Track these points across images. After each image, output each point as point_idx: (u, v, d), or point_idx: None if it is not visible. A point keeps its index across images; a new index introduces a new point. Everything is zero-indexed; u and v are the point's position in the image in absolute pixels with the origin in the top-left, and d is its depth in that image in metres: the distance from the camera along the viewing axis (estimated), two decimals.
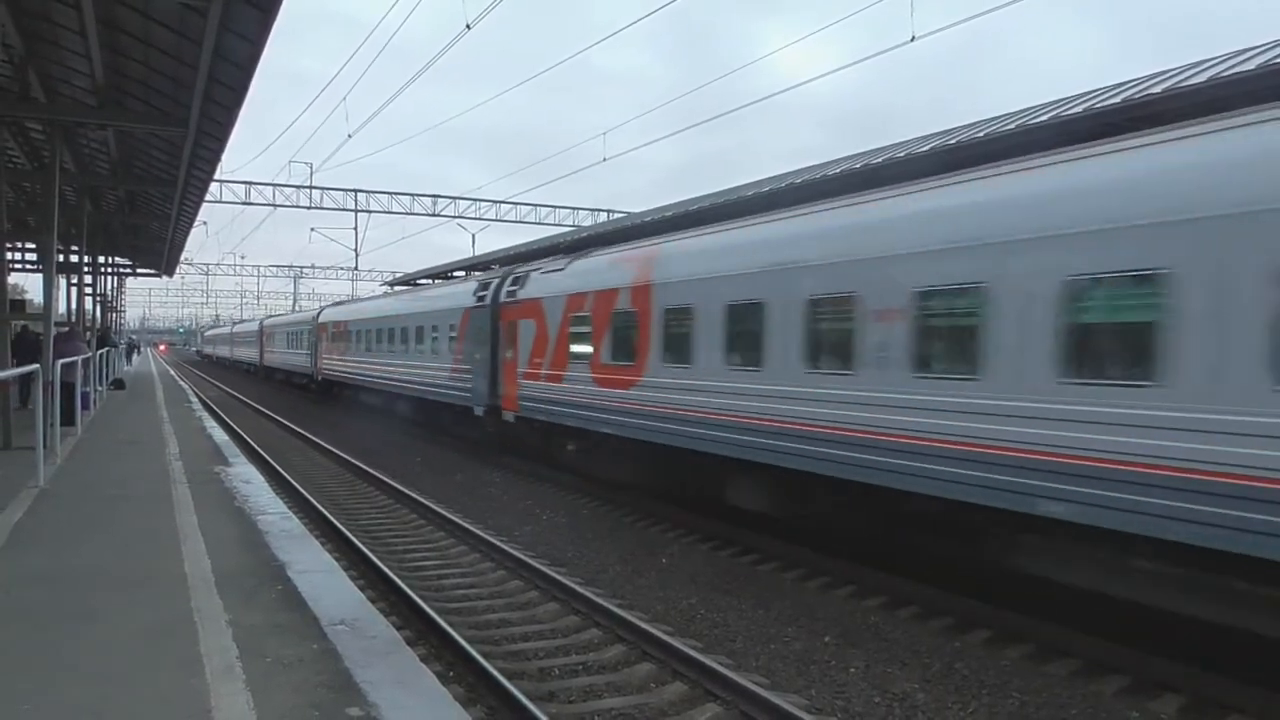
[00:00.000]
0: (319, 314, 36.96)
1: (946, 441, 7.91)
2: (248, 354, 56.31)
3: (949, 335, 8.21)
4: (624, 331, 13.17)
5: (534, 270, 17.53)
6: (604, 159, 28.14)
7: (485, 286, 19.18)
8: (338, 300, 42.67)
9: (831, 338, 9.33)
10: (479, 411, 18.86)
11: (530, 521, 13.13)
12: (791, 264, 9.88)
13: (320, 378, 35.24)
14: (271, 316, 55.77)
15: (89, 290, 27.83)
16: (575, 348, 14.70)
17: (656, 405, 12.28)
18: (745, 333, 10.67)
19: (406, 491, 14.65)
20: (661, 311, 12.28)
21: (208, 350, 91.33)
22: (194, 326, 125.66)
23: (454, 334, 20.35)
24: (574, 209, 41.27)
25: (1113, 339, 7.08)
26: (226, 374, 59.99)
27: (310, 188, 37.42)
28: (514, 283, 17.84)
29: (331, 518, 12.24)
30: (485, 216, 40.46)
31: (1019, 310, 7.45)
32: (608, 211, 40.85)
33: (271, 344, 47.09)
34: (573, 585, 9.18)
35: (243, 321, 66.97)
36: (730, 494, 11.69)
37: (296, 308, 71.39)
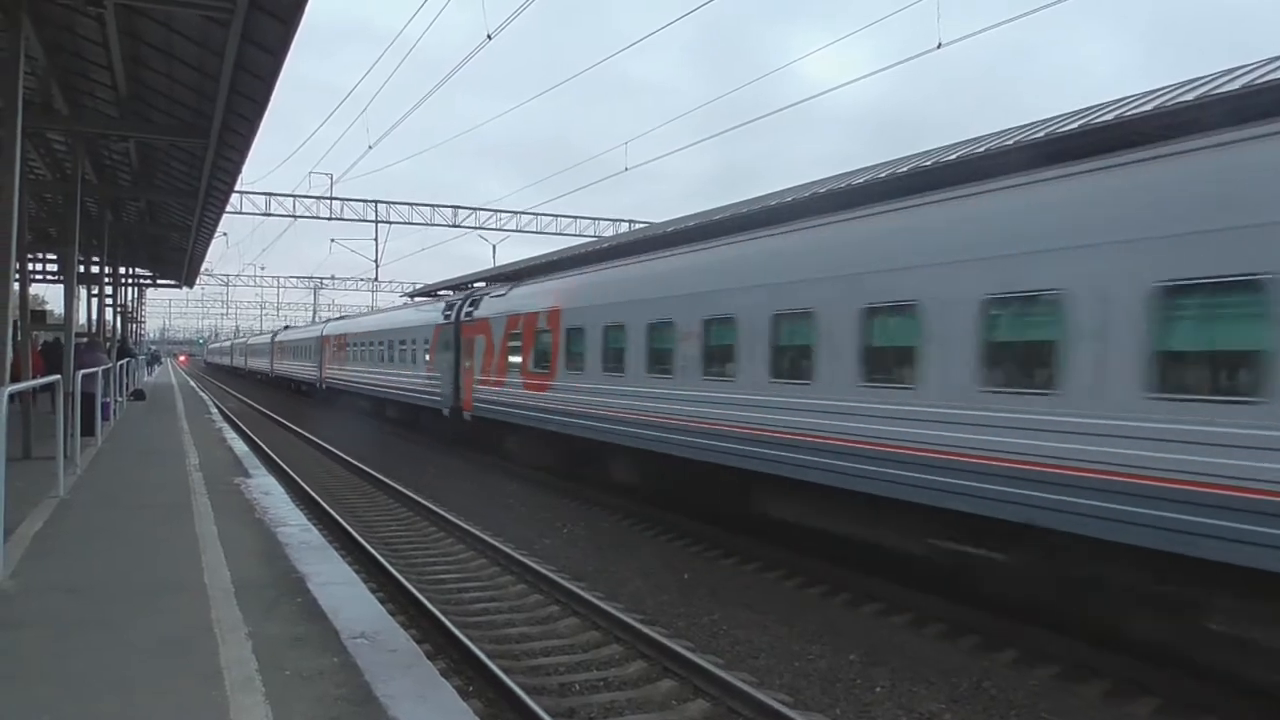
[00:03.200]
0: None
1: None
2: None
3: None
4: None
5: None
6: (625, 169, 28.30)
7: None
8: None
9: None
10: None
11: (550, 534, 13.15)
12: None
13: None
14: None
15: (109, 301, 28.20)
16: None
17: None
18: None
19: (425, 504, 14.72)
20: None
21: (216, 361, 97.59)
22: (213, 336, 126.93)
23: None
24: (594, 219, 41.54)
25: None
26: (248, 386, 60.53)
27: (330, 198, 37.93)
28: None
29: (351, 530, 12.32)
30: (506, 227, 40.79)
31: None
32: (629, 221, 41.06)
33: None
34: (593, 600, 9.20)
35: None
36: None
37: (317, 318, 72.01)
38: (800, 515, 11.07)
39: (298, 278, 74.57)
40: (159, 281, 45.58)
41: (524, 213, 40.74)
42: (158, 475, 12.08)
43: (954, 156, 10.68)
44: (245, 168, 16.86)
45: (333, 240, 49.70)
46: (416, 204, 39.86)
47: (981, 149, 10.26)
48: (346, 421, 30.30)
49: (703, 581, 10.64)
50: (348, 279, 70.48)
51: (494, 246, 48.55)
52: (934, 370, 8.66)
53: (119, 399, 21.68)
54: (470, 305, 21.91)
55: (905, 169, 11.28)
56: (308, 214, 38.18)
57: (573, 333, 15.73)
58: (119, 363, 22.72)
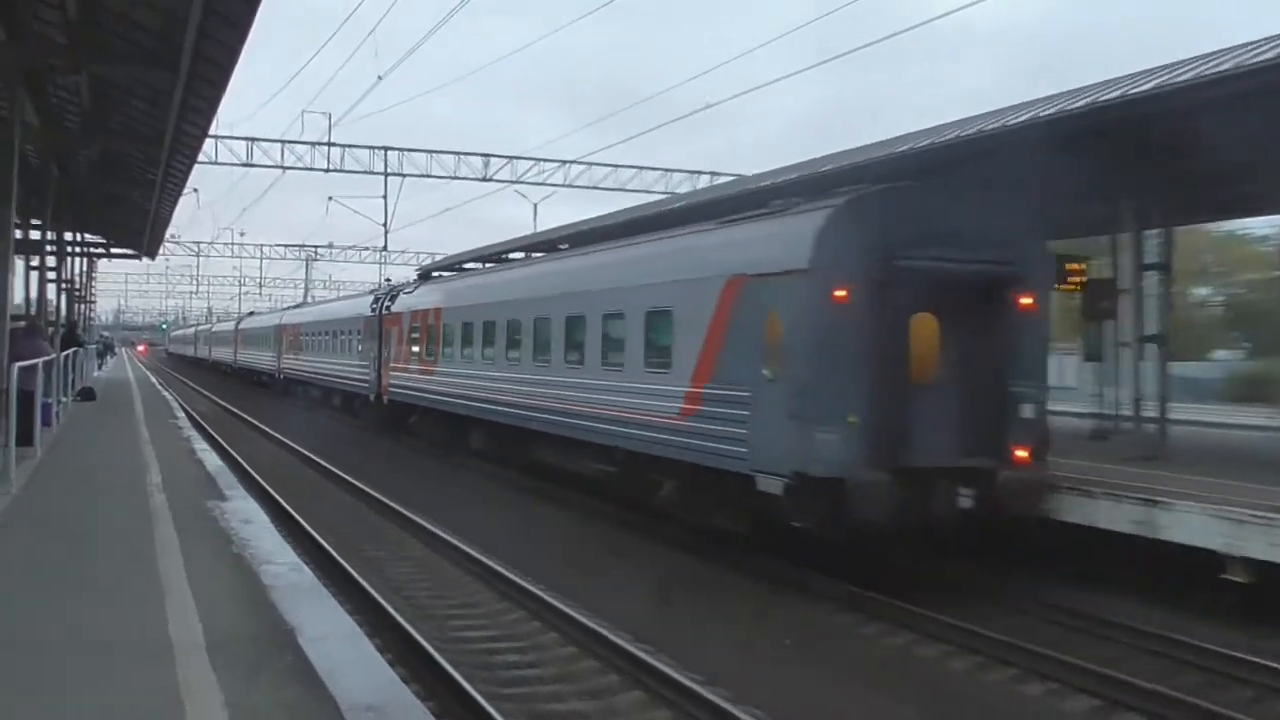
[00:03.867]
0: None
1: None
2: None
3: None
4: None
5: None
6: (708, 105, 28.09)
7: None
8: None
9: None
10: None
11: (604, 575, 13.18)
12: None
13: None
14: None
15: (52, 276, 28.95)
16: None
17: None
18: None
19: (448, 538, 14.83)
20: None
21: (180, 351, 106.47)
22: (180, 320, 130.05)
23: None
24: (666, 170, 41.21)
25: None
26: (216, 381, 61.93)
27: (329, 144, 38.23)
28: None
29: (352, 570, 12.46)
30: (551, 181, 40.68)
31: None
32: (711, 174, 40.69)
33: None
34: (665, 670, 9.15)
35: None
36: None
37: (310, 298, 73.42)
38: (551, 459, 20.16)
39: (286, 246, 75.25)
40: (113, 251, 46.49)
41: (574, 162, 40.58)
42: (111, 496, 12.37)
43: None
44: (222, 107, 17.17)
45: (330, 198, 50.16)
46: (437, 151, 40.15)
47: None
48: (330, 425, 34.39)
49: (810, 649, 10.56)
50: (349, 248, 71.11)
51: (535, 206, 48.48)
52: (590, 358, 17.70)
53: (63, 399, 22.21)
54: (390, 300, 31.50)
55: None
56: (300, 164, 38.62)
57: (447, 327, 25.56)
58: (64, 353, 23.19)
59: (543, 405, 19.17)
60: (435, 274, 33.10)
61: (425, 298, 28.82)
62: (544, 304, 19.81)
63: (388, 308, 31.20)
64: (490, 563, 13.36)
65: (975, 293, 12.61)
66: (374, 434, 31.88)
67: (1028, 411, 12.77)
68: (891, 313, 12.13)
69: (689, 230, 16.61)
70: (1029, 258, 13.09)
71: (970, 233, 12.53)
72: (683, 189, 38.59)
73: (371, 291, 38.03)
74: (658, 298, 15.53)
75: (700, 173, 41.53)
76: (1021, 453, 12.59)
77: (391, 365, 30.06)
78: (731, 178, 32.38)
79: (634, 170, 41.03)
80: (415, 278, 34.54)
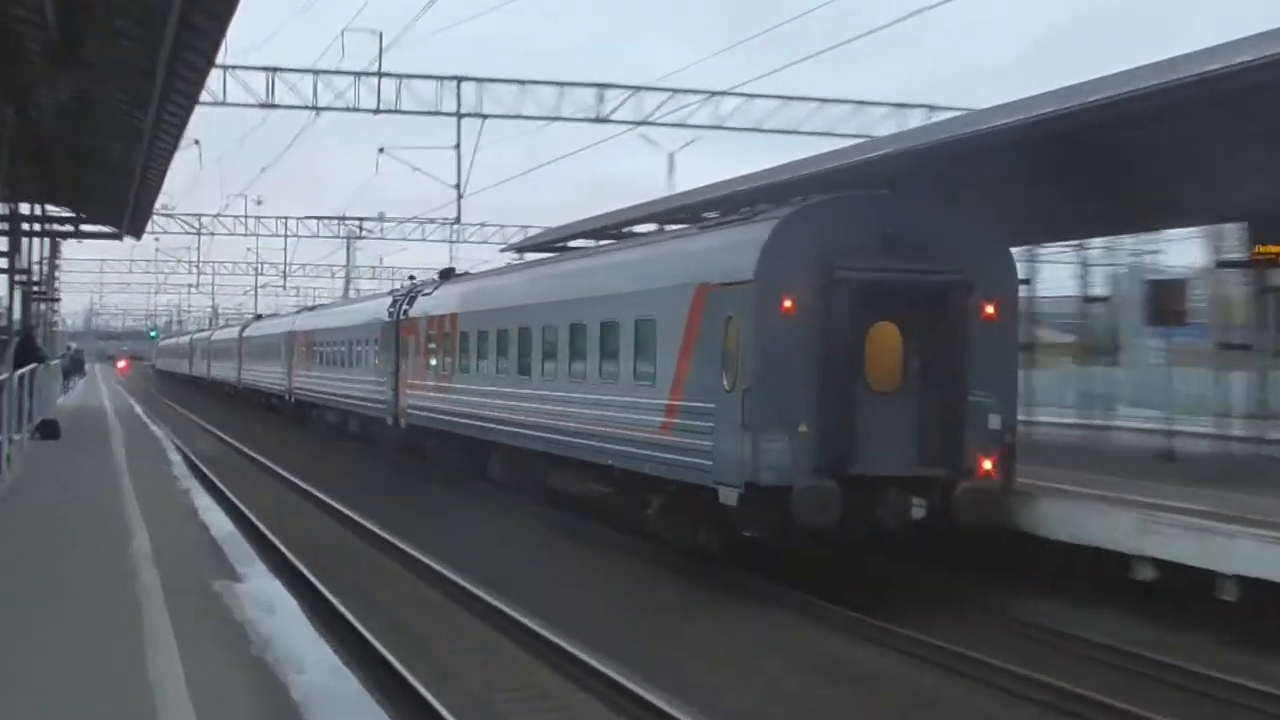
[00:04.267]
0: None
1: None
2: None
3: None
4: None
5: None
6: (921, 9, 27.72)
7: None
8: None
9: None
10: None
11: (777, 694, 13.14)
12: None
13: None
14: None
15: (4, 264, 29.76)
16: None
17: None
18: None
19: (547, 634, 14.80)
20: None
21: (170, 368, 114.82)
22: (173, 325, 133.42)
23: None
24: (860, 104, 40.56)
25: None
26: (220, 408, 63.40)
27: (379, 75, 38.45)
28: None
29: (414, 681, 12.50)
30: (695, 122, 40.13)
31: None
32: (927, 107, 40.00)
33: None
34: None
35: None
36: None
37: (354, 291, 74.82)
38: (567, 486, 24.58)
39: (320, 219, 75.86)
40: (85, 229, 47.38)
41: (725, 94, 40.13)
42: (83, 569, 12.67)
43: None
44: (233, 28, 17.57)
45: (382, 150, 50.59)
46: (530, 82, 40.29)
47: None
48: (355, 461, 38.88)
49: None
50: (407, 220, 71.42)
51: (670, 156, 48.29)
52: (590, 371, 23.11)
53: (15, 436, 22.61)
54: (408, 303, 37.04)
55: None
56: (339, 104, 38.96)
57: (464, 336, 30.95)
58: (19, 372, 23.64)
59: (556, 425, 24.02)
60: (460, 272, 38.90)
61: (442, 302, 34.33)
62: (550, 310, 25.18)
63: (405, 312, 36.94)
64: (596, 664, 13.37)
65: (931, 302, 16.95)
66: (406, 468, 36.19)
67: (993, 422, 17.02)
68: (845, 322, 16.58)
69: (674, 234, 23.22)
70: (983, 266, 17.39)
71: (919, 242, 17.01)
72: (883, 129, 37.67)
73: (390, 292, 44.08)
74: (644, 306, 20.59)
75: (909, 105, 40.85)
76: (986, 464, 16.91)
77: (410, 382, 35.80)
78: (956, 113, 31.89)
79: (814, 104, 40.47)
80: (437, 277, 38.23)
